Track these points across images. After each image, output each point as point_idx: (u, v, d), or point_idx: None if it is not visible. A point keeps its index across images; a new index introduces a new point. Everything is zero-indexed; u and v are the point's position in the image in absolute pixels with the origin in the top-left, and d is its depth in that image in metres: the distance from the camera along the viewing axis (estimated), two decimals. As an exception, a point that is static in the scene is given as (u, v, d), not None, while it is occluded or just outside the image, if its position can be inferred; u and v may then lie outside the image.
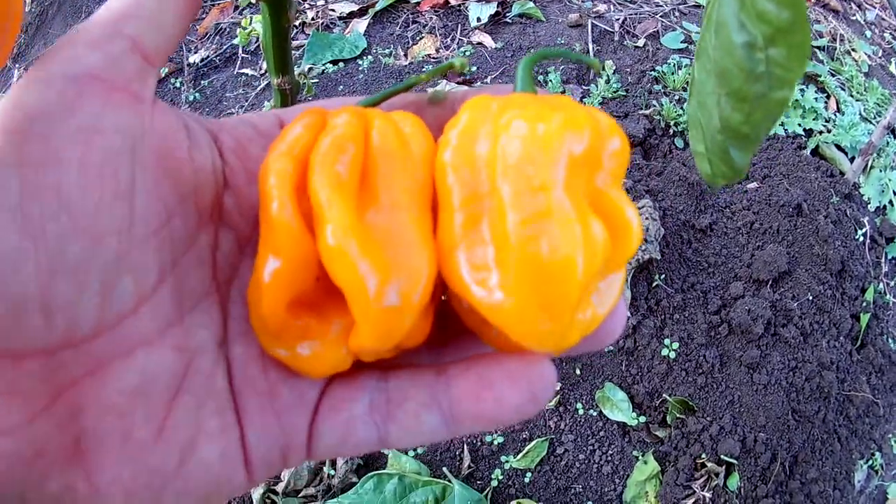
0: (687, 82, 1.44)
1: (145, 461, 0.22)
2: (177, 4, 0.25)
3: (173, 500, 0.22)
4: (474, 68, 1.46)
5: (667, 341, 1.15)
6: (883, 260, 1.43)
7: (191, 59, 1.56)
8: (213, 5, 1.65)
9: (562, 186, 0.22)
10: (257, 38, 1.31)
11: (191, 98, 1.51)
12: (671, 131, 1.37)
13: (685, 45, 1.51)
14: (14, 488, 0.20)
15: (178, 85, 1.54)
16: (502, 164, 0.22)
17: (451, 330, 0.27)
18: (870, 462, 1.23)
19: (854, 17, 1.97)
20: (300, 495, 1.12)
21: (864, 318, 1.30)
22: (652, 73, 1.46)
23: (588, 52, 1.46)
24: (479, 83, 1.43)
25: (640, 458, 1.12)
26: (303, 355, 0.24)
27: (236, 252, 0.26)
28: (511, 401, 0.24)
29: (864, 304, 1.31)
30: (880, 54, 1.88)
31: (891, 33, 2.00)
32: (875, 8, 2.05)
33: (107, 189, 0.21)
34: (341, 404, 0.25)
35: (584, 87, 1.41)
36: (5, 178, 0.20)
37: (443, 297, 0.27)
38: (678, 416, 1.14)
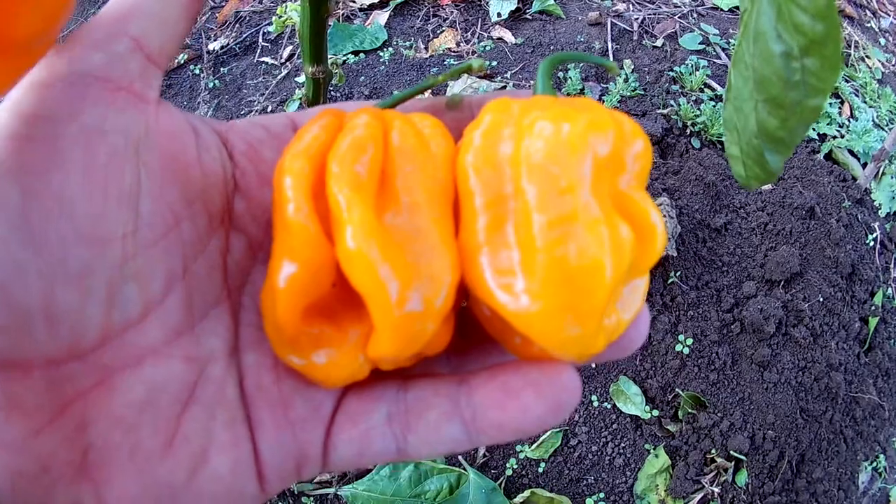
0: (704, 84, 1.46)
1: (154, 474, 0.21)
2: (180, 4, 0.24)
3: None
4: (494, 63, 1.47)
5: (681, 337, 1.17)
6: (892, 265, 1.44)
7: (210, 47, 1.57)
8: (232, -6, 1.65)
9: (588, 188, 0.21)
10: (290, 27, 1.32)
11: (210, 85, 1.52)
12: (688, 131, 1.38)
13: (703, 46, 1.53)
14: None
15: (197, 72, 1.55)
16: (527, 166, 0.22)
17: (471, 337, 0.26)
18: (874, 464, 1.25)
19: (868, 24, 1.98)
20: (314, 481, 1.14)
21: (873, 322, 1.31)
22: (670, 73, 1.47)
23: (607, 50, 1.47)
24: (498, 77, 1.44)
25: (652, 451, 1.13)
26: (318, 364, 0.23)
27: (248, 257, 0.26)
28: (536, 411, 0.23)
29: (873, 307, 1.32)
30: (894, 62, 1.90)
31: (904, 41, 2.01)
32: (889, 16, 2.06)
33: (111, 193, 0.20)
34: (358, 416, 0.24)
35: (602, 86, 1.42)
36: (6, 185, 0.19)
37: (464, 304, 0.26)
38: (690, 411, 1.15)
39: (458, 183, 0.24)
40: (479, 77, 1.39)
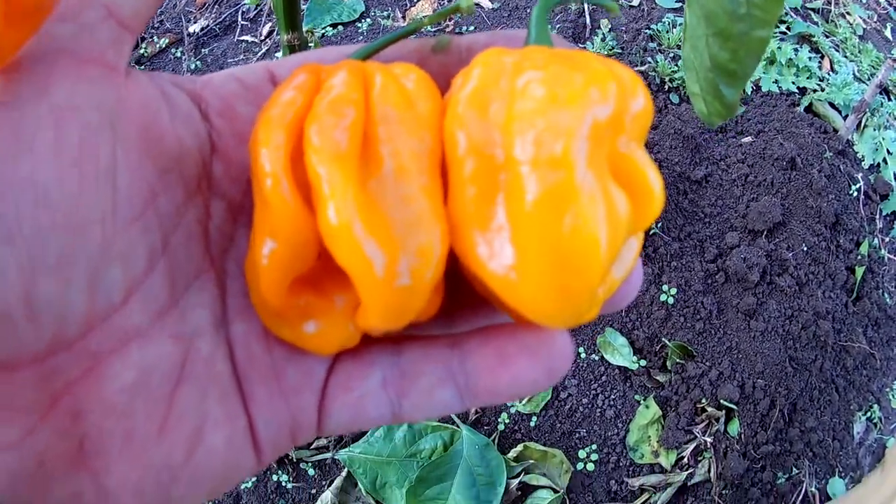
0: (681, 40, 1.46)
1: (151, 457, 0.21)
2: None
3: (184, 491, 0.21)
4: (472, 28, 1.48)
5: (665, 287, 1.18)
6: (878, 216, 1.45)
7: (191, 29, 1.58)
8: (211, -23, 1.66)
9: (584, 158, 0.20)
10: (261, 3, 1.33)
11: (192, 67, 1.53)
12: (666, 87, 1.39)
13: (679, 4, 1.53)
14: (19, 501, 0.19)
15: (178, 55, 1.56)
16: (519, 135, 0.20)
17: (462, 295, 0.25)
18: (868, 414, 1.25)
19: (849, -19, 1.98)
20: (312, 447, 1.15)
21: (860, 271, 1.32)
22: (647, 31, 1.47)
23: (583, 11, 1.48)
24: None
25: (642, 402, 1.14)
26: (308, 333, 0.23)
27: (230, 221, 0.25)
28: (529, 376, 0.23)
29: (859, 257, 1.33)
30: (875, 19, 1.90)
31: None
32: (870, -26, 2.07)
33: (86, 173, 0.19)
34: (352, 381, 0.24)
35: (580, 46, 1.43)
36: None
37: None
38: (678, 360, 1.16)
39: (445, 148, 0.22)
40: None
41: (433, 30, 1.50)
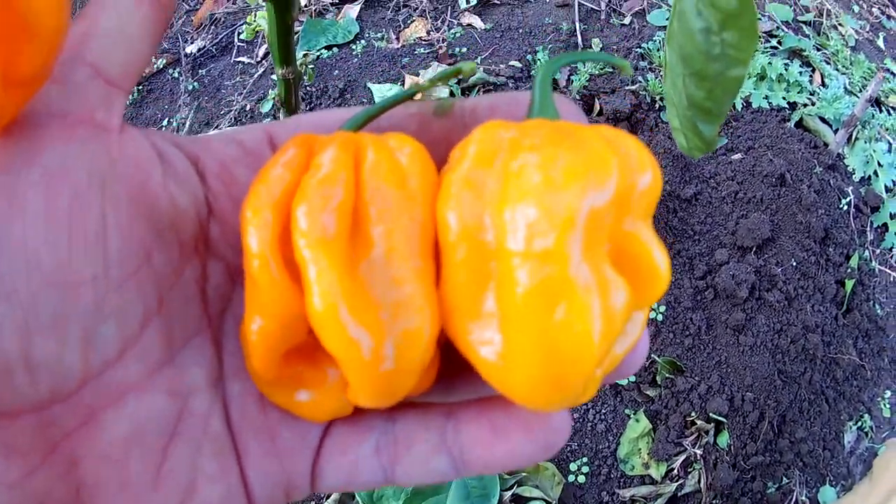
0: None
1: None
2: (141, 18, 0.23)
3: None
4: (464, 49, 1.50)
5: (654, 305, 1.20)
6: (868, 228, 1.46)
7: (187, 50, 1.61)
8: (208, -4, 1.69)
9: (579, 249, 0.19)
10: (261, 33, 1.36)
11: (189, 88, 1.55)
12: (657, 106, 1.41)
13: (670, 22, 1.55)
14: None
15: (175, 75, 1.59)
16: (511, 222, 0.19)
17: (457, 362, 0.24)
18: (859, 423, 1.27)
19: (842, -9, 1.99)
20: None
21: (849, 284, 1.34)
22: (638, 49, 1.49)
23: (575, 31, 1.50)
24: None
25: (633, 416, 1.17)
26: (302, 402, 0.23)
27: (227, 283, 0.25)
28: (524, 450, 0.23)
29: (849, 270, 1.35)
30: (868, 28, 1.91)
31: (879, 7, 2.02)
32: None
33: (76, 236, 0.20)
34: (346, 446, 0.24)
35: (571, 66, 1.45)
36: None
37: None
38: (667, 375, 1.19)
39: (437, 229, 0.22)
40: (450, 65, 1.43)
41: (426, 51, 1.52)
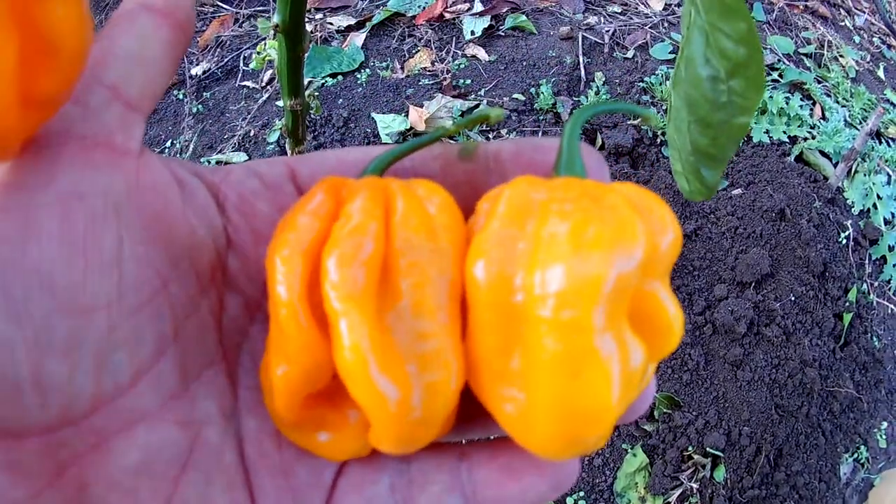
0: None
1: None
2: (161, 40, 0.23)
3: None
4: (468, 81, 1.51)
5: (653, 341, 1.21)
6: (867, 261, 1.47)
7: (193, 72, 1.62)
8: (213, 18, 1.71)
9: (604, 318, 0.20)
10: (268, 62, 1.37)
11: (194, 110, 1.56)
12: (658, 141, 1.42)
13: (673, 55, 1.56)
14: None
15: (180, 97, 1.60)
16: (541, 289, 0.20)
17: (473, 404, 0.25)
18: (855, 455, 1.27)
19: (843, 23, 2.01)
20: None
21: (847, 318, 1.35)
22: (640, 83, 1.51)
23: (578, 64, 1.52)
24: (472, 95, 1.48)
25: (630, 450, 1.17)
26: (321, 442, 0.24)
27: (245, 316, 0.25)
28: (535, 489, 0.24)
29: (847, 304, 1.36)
30: (868, 59, 1.93)
31: (880, 38, 2.04)
32: (864, 13, 2.10)
33: (91, 261, 0.20)
34: (361, 485, 0.24)
35: (574, 99, 1.46)
36: None
37: None
38: (665, 410, 1.19)
39: (466, 284, 0.22)
40: (454, 96, 1.44)
41: (429, 79, 1.53)
